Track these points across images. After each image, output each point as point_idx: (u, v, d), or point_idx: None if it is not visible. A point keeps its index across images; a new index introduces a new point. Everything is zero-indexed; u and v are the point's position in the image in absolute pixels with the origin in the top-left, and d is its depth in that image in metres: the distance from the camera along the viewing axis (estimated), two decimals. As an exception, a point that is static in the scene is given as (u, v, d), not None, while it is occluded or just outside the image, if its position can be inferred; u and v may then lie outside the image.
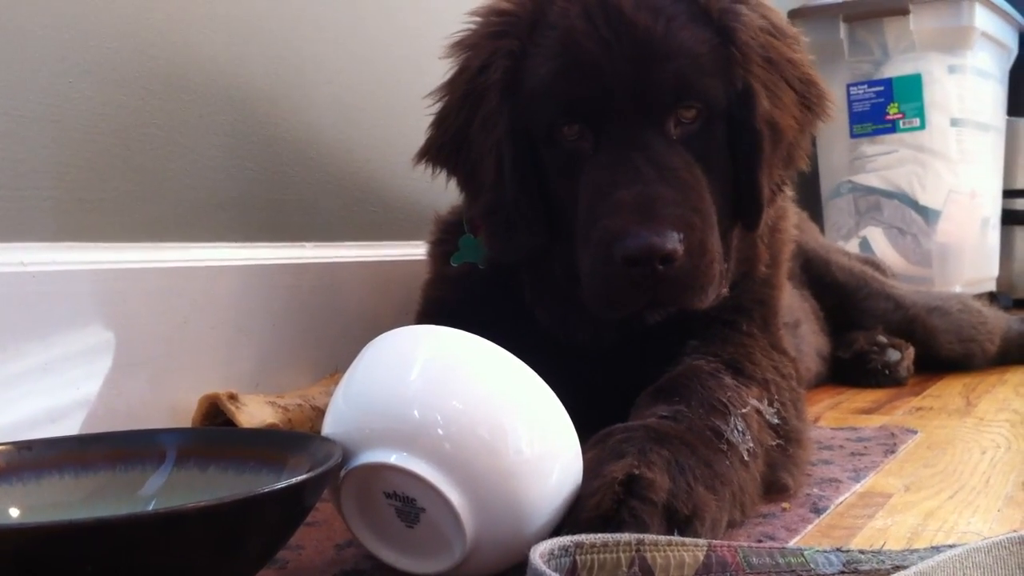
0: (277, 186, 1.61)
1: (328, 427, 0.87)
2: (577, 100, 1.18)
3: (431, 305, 1.42)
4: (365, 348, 0.90)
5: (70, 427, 1.25)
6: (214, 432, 1.11)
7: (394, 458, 0.81)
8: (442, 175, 1.35)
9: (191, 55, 1.46)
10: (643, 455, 0.90)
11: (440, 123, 1.32)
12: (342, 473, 0.83)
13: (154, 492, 0.89)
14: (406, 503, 0.82)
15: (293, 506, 0.78)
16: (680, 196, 1.14)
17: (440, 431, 0.80)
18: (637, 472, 0.86)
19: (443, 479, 0.80)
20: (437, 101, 1.33)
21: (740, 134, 1.21)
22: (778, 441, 1.09)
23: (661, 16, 1.18)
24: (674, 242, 1.09)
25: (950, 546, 0.86)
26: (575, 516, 0.85)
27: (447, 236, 1.43)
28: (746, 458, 1.00)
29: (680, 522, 0.86)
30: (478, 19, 1.29)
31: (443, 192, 1.45)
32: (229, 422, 1.32)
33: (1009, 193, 3.42)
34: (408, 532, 0.83)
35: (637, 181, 1.13)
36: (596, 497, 0.85)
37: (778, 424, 1.10)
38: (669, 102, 1.18)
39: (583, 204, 1.18)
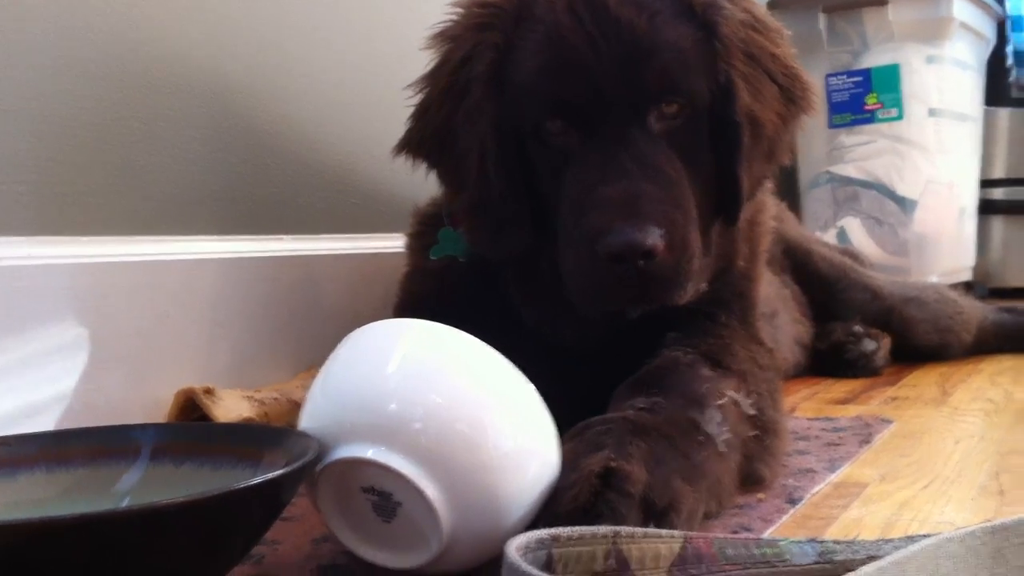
0: (256, 179, 1.61)
1: (305, 421, 0.87)
2: (563, 96, 1.18)
3: (409, 298, 1.42)
4: (343, 342, 0.90)
5: (47, 423, 1.24)
6: (189, 427, 1.11)
7: (371, 452, 0.81)
8: (422, 168, 1.35)
9: (169, 49, 1.45)
10: (620, 447, 0.90)
11: (421, 115, 1.31)
12: (318, 468, 0.83)
13: (129, 488, 0.89)
14: (383, 497, 0.82)
15: (270, 501, 0.78)
16: (662, 192, 1.14)
17: (418, 425, 0.80)
18: (614, 464, 0.87)
19: (420, 473, 0.80)
20: (418, 93, 1.32)
21: (722, 129, 1.21)
22: (755, 432, 1.10)
23: (645, 11, 1.18)
24: (656, 238, 1.10)
25: (924, 536, 0.86)
26: (553, 509, 0.85)
27: (426, 228, 1.43)
28: (723, 449, 1.01)
29: (657, 514, 0.86)
30: (461, 10, 1.28)
31: (423, 184, 1.45)
32: (205, 417, 1.32)
33: (986, 183, 3.44)
34: (385, 527, 0.83)
35: (620, 177, 1.13)
36: (574, 490, 0.85)
37: (755, 415, 1.11)
38: (652, 97, 1.18)
39: (568, 200, 1.18)
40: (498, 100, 1.21)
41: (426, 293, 1.39)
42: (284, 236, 1.65)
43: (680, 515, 0.88)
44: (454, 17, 1.29)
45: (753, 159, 1.23)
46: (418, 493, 0.80)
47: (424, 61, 1.30)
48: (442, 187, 1.35)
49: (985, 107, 3.39)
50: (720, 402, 1.05)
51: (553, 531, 0.80)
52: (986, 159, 3.42)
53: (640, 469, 0.88)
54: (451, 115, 1.26)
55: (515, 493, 0.83)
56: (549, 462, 0.86)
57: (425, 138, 1.31)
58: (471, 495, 0.81)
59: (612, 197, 1.12)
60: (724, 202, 1.24)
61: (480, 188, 1.23)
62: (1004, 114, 3.51)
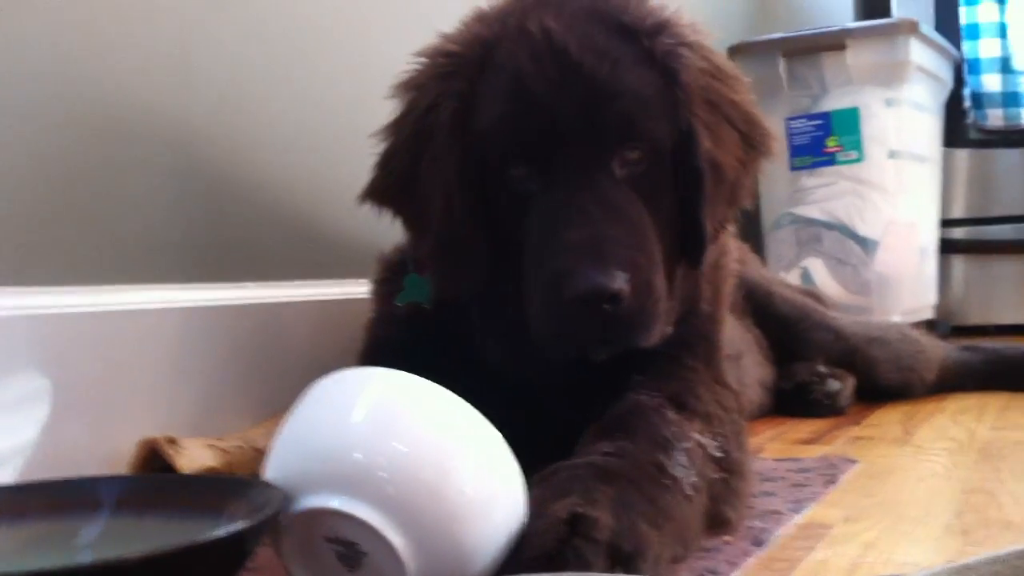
0: (219, 226, 1.60)
1: (269, 471, 0.87)
2: (526, 141, 1.19)
3: (375, 344, 1.42)
4: (307, 391, 0.90)
5: (7, 475, 1.23)
6: (150, 479, 1.10)
7: (336, 503, 0.80)
8: (387, 215, 1.35)
9: (131, 99, 1.45)
10: (587, 493, 0.90)
11: (386, 163, 1.32)
12: (283, 519, 0.82)
13: (90, 542, 0.88)
14: (348, 547, 0.82)
15: (233, 554, 0.77)
16: (626, 236, 1.15)
17: (383, 474, 0.80)
18: (581, 511, 0.87)
19: (386, 523, 0.79)
20: (383, 141, 1.32)
21: (684, 174, 1.23)
22: (721, 474, 1.10)
23: (607, 58, 1.20)
24: (621, 282, 1.10)
25: (888, 578, 0.87)
26: (519, 556, 0.85)
27: (391, 275, 1.43)
28: (689, 492, 1.01)
29: (623, 560, 0.86)
30: (425, 60, 1.29)
31: (388, 230, 1.45)
32: (169, 467, 1.30)
33: (946, 223, 3.49)
34: None
35: (585, 222, 1.14)
36: (540, 537, 0.85)
37: (720, 457, 1.11)
38: (615, 142, 1.19)
39: (532, 244, 1.18)
40: (462, 146, 1.22)
41: (391, 339, 1.39)
42: (248, 283, 1.64)
43: (646, 560, 0.88)
44: (417, 66, 1.30)
45: (715, 203, 1.25)
46: (384, 543, 0.79)
47: (388, 107, 1.31)
48: (407, 233, 1.35)
49: (944, 148, 3.44)
50: (686, 445, 1.05)
51: (521, 578, 0.80)
52: (945, 199, 3.47)
53: (607, 515, 0.88)
54: (415, 162, 1.26)
55: (481, 540, 0.83)
56: (515, 509, 0.86)
57: (390, 185, 1.31)
58: (437, 543, 0.81)
59: (576, 241, 1.13)
60: (687, 246, 1.25)
61: (444, 232, 1.24)
62: (963, 155, 3.56)
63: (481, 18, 1.30)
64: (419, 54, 1.30)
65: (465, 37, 1.28)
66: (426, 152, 1.25)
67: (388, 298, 1.40)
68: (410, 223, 1.33)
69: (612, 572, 0.84)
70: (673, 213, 1.23)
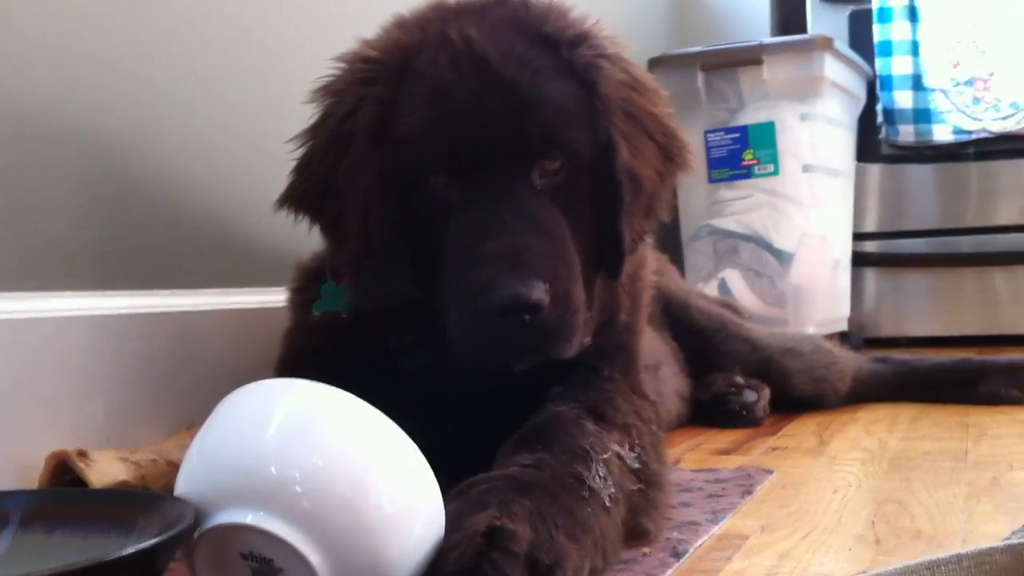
0: (132, 233, 1.57)
1: (181, 486, 0.85)
2: (446, 150, 1.19)
3: (292, 354, 1.40)
4: (221, 403, 0.88)
5: (-93, 488, 1.19)
6: (60, 493, 1.08)
7: (250, 518, 0.79)
8: (304, 221, 1.34)
9: (40, 101, 1.42)
10: (504, 506, 0.90)
11: (303, 168, 1.30)
12: (196, 535, 0.80)
13: (-4, 558, 0.85)
14: (263, 564, 0.80)
15: (144, 571, 0.75)
16: (546, 246, 1.15)
17: (298, 488, 0.79)
18: (499, 523, 0.86)
19: (301, 538, 0.78)
20: (300, 146, 1.31)
21: (602, 185, 1.23)
22: (639, 485, 1.10)
23: (527, 68, 1.20)
24: (540, 292, 1.11)
25: (803, 588, 0.88)
26: (438, 570, 0.85)
27: (309, 284, 1.41)
28: (608, 504, 1.01)
29: (542, 572, 0.86)
30: (344, 65, 1.28)
31: (305, 238, 1.44)
32: (79, 480, 1.27)
33: (859, 236, 3.55)
34: None
35: (503, 231, 1.14)
36: (458, 550, 0.84)
37: (639, 468, 1.12)
38: (535, 152, 1.20)
39: (451, 254, 1.18)
40: (382, 153, 1.21)
41: (309, 348, 1.37)
42: (161, 291, 1.61)
43: (565, 572, 0.88)
44: (337, 71, 1.29)
45: (634, 215, 1.25)
46: (300, 558, 0.78)
47: (305, 112, 1.30)
48: (324, 240, 1.34)
49: (857, 163, 3.51)
50: (604, 456, 1.06)
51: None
52: (858, 213, 3.53)
53: (525, 527, 0.87)
54: (333, 168, 1.25)
55: (399, 554, 0.82)
56: (433, 522, 0.85)
57: (307, 191, 1.30)
58: (354, 558, 0.80)
59: (495, 251, 1.13)
60: (606, 257, 1.25)
61: (362, 240, 1.23)
62: (875, 169, 3.63)
63: (401, 24, 1.30)
64: (338, 59, 1.29)
65: (385, 43, 1.27)
66: (344, 158, 1.24)
67: (305, 307, 1.38)
68: (328, 230, 1.31)
69: None
70: (591, 224, 1.24)
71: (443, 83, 1.20)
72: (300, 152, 1.31)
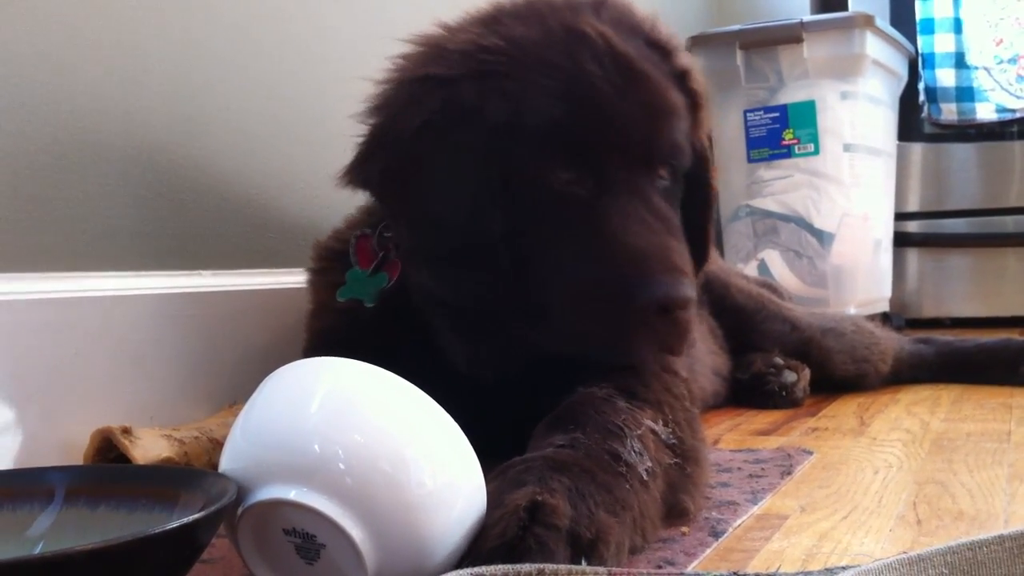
0: (173, 213, 1.59)
1: (225, 462, 0.86)
2: (583, 144, 1.19)
3: (318, 338, 1.40)
4: (264, 381, 0.89)
5: (-44, 465, 1.21)
6: (104, 469, 1.09)
7: (293, 494, 0.79)
8: (364, 197, 1.32)
9: (80, 81, 1.43)
10: (543, 483, 0.90)
11: (390, 144, 1.25)
12: (239, 510, 0.81)
13: (42, 533, 0.87)
14: (306, 539, 0.81)
15: (186, 546, 0.76)
16: (680, 246, 1.20)
17: (341, 465, 0.79)
18: (540, 499, 0.86)
19: (344, 514, 0.79)
20: (376, 123, 1.27)
21: (693, 190, 1.30)
22: (675, 460, 1.10)
23: (659, 70, 1.24)
24: (692, 290, 1.15)
25: (843, 568, 0.88)
26: (479, 546, 0.85)
27: (330, 265, 1.40)
28: (645, 478, 1.01)
29: (584, 547, 0.86)
30: (457, 52, 1.23)
31: (340, 217, 1.45)
32: (123, 457, 1.29)
33: (900, 216, 3.52)
34: (308, 569, 0.82)
35: (647, 231, 1.17)
36: (500, 526, 0.85)
37: (674, 444, 1.11)
38: (663, 155, 1.23)
39: (578, 249, 1.18)
40: (503, 146, 1.19)
41: (335, 330, 1.36)
42: (203, 271, 1.62)
43: (608, 547, 0.88)
44: (445, 58, 1.24)
45: (712, 216, 1.36)
46: (342, 534, 0.79)
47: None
48: (399, 226, 1.29)
49: (898, 142, 3.47)
50: (638, 432, 1.06)
51: (477, 570, 0.80)
52: (900, 193, 3.50)
53: (565, 503, 0.87)
54: (429, 155, 1.22)
55: (440, 531, 0.82)
56: (474, 500, 0.86)
57: (387, 172, 1.26)
58: (396, 535, 0.80)
59: (646, 250, 1.15)
60: (693, 253, 1.29)
61: (465, 233, 1.20)
62: (917, 149, 3.60)
63: (516, 16, 1.26)
64: (444, 46, 1.25)
65: (508, 34, 1.23)
66: (453, 148, 1.20)
67: (327, 289, 1.38)
68: (411, 218, 1.26)
69: (575, 561, 0.84)
70: (682, 223, 1.29)
71: (586, 76, 1.18)
72: (373, 128, 1.27)
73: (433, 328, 1.28)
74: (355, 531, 0.78)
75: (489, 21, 1.27)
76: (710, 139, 1.39)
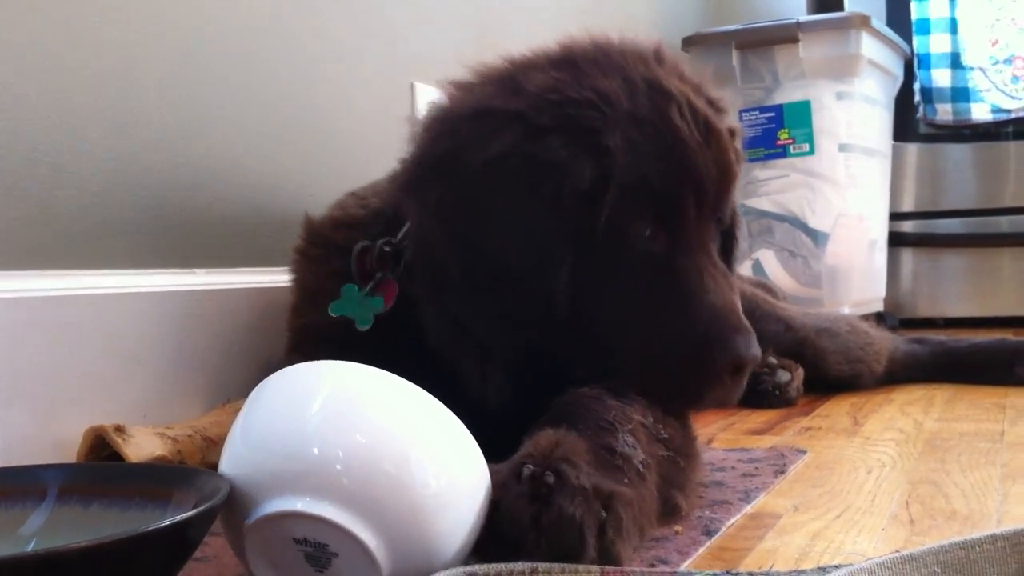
0: (168, 212, 1.58)
1: (226, 468, 0.84)
2: (673, 200, 1.18)
3: (303, 335, 1.37)
4: (261, 385, 0.87)
5: (-51, 463, 1.21)
6: (97, 467, 1.09)
7: (301, 504, 0.78)
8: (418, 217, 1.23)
9: (75, 79, 1.43)
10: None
11: (454, 174, 1.18)
12: (246, 523, 0.80)
13: (35, 531, 0.86)
14: (317, 548, 0.79)
15: (178, 544, 0.76)
16: (739, 302, 1.22)
17: (341, 467, 0.78)
18: (564, 436, 0.93)
19: (355, 521, 0.77)
20: (449, 145, 1.20)
21: (724, 242, 1.32)
22: (668, 453, 1.10)
23: (726, 128, 1.25)
24: (759, 349, 1.18)
25: (835, 567, 0.88)
26: (503, 496, 0.87)
27: (324, 253, 1.35)
28: (641, 470, 1.01)
29: (604, 494, 0.88)
30: (548, 98, 1.18)
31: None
32: (116, 455, 1.29)
33: (896, 216, 3.53)
34: None
35: (719, 288, 1.19)
36: (528, 446, 0.91)
37: (666, 438, 1.12)
38: (725, 213, 1.26)
39: (658, 305, 1.17)
40: (579, 201, 1.15)
41: (322, 328, 1.31)
42: (197, 270, 1.62)
43: (630, 508, 0.90)
44: (530, 101, 1.18)
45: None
46: (355, 541, 0.77)
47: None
48: (439, 261, 1.20)
49: (894, 142, 3.48)
50: (629, 426, 1.06)
51: (470, 568, 0.80)
52: (895, 193, 3.51)
53: (579, 472, 0.89)
54: (501, 196, 1.16)
55: (449, 528, 0.81)
56: (481, 497, 0.85)
57: (447, 203, 1.18)
58: (406, 536, 0.79)
59: (722, 308, 1.17)
60: None
61: (525, 289, 1.16)
62: (912, 149, 3.60)
63: (594, 63, 1.22)
64: (520, 83, 1.20)
65: (595, 86, 1.19)
66: (529, 197, 1.15)
67: (317, 279, 1.34)
68: (460, 256, 1.19)
69: (596, 514, 0.86)
70: None
71: (677, 132, 1.18)
72: (436, 151, 1.21)
73: (449, 363, 1.22)
74: (369, 537, 0.77)
75: (565, 64, 1.22)
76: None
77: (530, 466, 0.88)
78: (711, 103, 1.26)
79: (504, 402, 1.21)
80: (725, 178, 1.22)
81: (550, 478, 0.87)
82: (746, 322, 1.18)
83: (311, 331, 1.36)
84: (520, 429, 1.10)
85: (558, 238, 1.15)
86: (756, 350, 1.16)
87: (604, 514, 0.87)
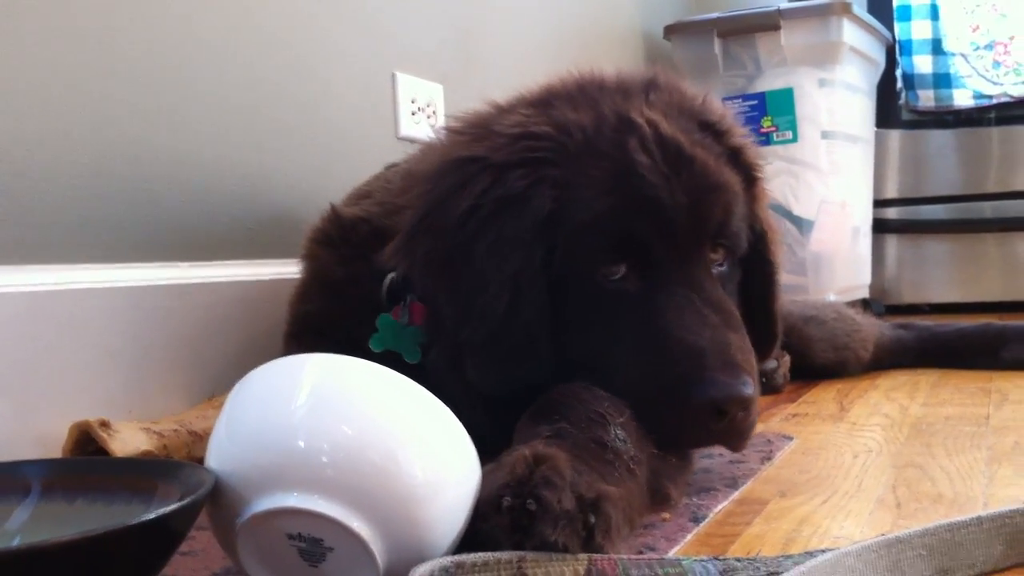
0: (148, 205, 1.57)
1: (212, 465, 0.83)
2: (633, 236, 1.15)
3: (302, 322, 1.37)
4: (244, 379, 0.86)
5: (-68, 460, 1.20)
6: (80, 462, 1.08)
7: (293, 500, 0.77)
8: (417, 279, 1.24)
9: (53, 70, 1.42)
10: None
11: (434, 229, 1.20)
12: (238, 522, 0.79)
13: (19, 527, 0.86)
14: (311, 543, 0.79)
15: (163, 537, 0.76)
16: (740, 340, 1.14)
17: (326, 459, 0.77)
18: (542, 452, 0.88)
19: (348, 514, 0.76)
20: (430, 202, 1.21)
21: (754, 268, 1.27)
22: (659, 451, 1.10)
23: (711, 154, 1.20)
24: (752, 390, 1.09)
25: (823, 551, 0.88)
26: (489, 485, 0.85)
27: (349, 252, 1.35)
28: (632, 465, 1.01)
29: (588, 505, 0.86)
30: (503, 136, 1.19)
31: (318, 209, 1.44)
32: (101, 451, 1.28)
33: (879, 203, 3.54)
34: (313, 572, 0.80)
35: (703, 325, 1.12)
36: (508, 467, 0.86)
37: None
38: (713, 236, 1.19)
39: (633, 346, 1.14)
40: (549, 238, 1.15)
41: (322, 315, 1.33)
42: (180, 263, 1.61)
43: (615, 506, 0.88)
44: (500, 140, 1.19)
45: (778, 296, 1.31)
46: (350, 534, 0.77)
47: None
48: (441, 311, 1.22)
49: (876, 129, 3.48)
50: (620, 420, 1.05)
51: (457, 558, 0.80)
52: (878, 180, 3.52)
53: (567, 467, 0.88)
54: (471, 241, 1.17)
55: (439, 517, 0.81)
56: (471, 485, 0.85)
57: (431, 256, 1.20)
58: (398, 526, 0.78)
59: (703, 346, 1.10)
60: (757, 338, 1.24)
61: (505, 324, 1.15)
62: (895, 135, 3.61)
63: (568, 99, 1.23)
64: (492, 128, 1.21)
65: (557, 119, 1.19)
66: (491, 235, 1.16)
67: (329, 267, 1.35)
68: (453, 304, 1.20)
69: (582, 515, 0.85)
70: (743, 308, 1.24)
71: (634, 167, 1.15)
72: (419, 209, 1.22)
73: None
74: (363, 529, 0.77)
75: (539, 103, 1.23)
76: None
77: (508, 498, 0.84)
78: (708, 126, 1.23)
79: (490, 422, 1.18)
80: (701, 203, 1.16)
81: (532, 505, 0.83)
82: (736, 358, 1.10)
83: (311, 317, 1.36)
84: (514, 416, 1.10)
85: (526, 270, 1.15)
86: (742, 390, 1.08)
87: (593, 519, 0.85)
